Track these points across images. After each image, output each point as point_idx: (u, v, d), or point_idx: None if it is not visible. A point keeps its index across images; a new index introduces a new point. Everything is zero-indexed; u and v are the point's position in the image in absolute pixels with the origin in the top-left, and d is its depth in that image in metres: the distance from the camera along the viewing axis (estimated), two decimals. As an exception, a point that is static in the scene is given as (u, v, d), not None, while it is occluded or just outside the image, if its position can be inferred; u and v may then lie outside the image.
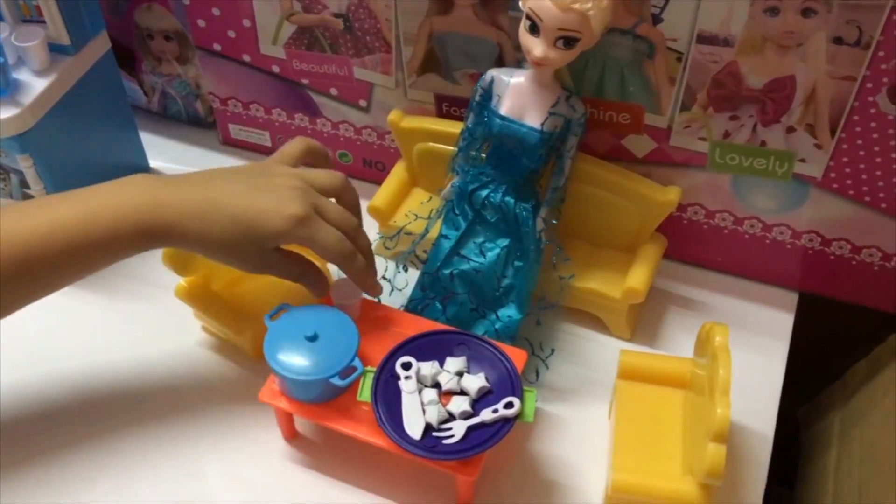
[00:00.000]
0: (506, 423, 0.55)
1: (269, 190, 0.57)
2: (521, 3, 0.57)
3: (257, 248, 0.57)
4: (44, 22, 0.66)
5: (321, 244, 0.57)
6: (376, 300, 0.64)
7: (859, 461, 0.68)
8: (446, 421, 0.56)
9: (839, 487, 0.70)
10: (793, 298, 0.72)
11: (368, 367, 0.58)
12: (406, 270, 0.68)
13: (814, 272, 0.70)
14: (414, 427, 0.55)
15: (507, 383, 0.57)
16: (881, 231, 0.65)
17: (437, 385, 0.58)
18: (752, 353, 0.65)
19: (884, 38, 0.55)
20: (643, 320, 0.71)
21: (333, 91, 0.75)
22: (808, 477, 0.77)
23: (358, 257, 0.59)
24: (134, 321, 0.71)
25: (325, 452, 0.62)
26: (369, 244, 0.61)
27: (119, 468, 0.61)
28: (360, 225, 0.60)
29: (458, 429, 0.55)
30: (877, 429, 0.68)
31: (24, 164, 0.68)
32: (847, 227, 0.66)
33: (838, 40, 0.56)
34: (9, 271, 0.53)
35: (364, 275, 0.60)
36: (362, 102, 0.74)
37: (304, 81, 0.75)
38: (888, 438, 0.65)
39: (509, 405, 0.55)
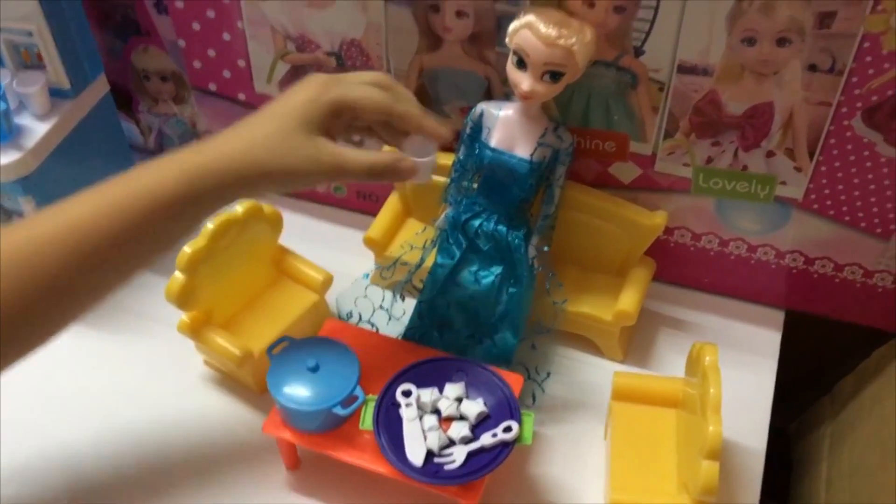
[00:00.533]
0: (505, 446, 0.57)
1: (293, 87, 0.56)
2: (507, 40, 0.60)
3: (305, 135, 0.53)
4: (44, 67, 0.68)
5: (356, 97, 0.54)
6: (374, 328, 0.66)
7: (849, 473, 0.70)
8: (447, 446, 0.57)
9: (831, 498, 0.71)
10: (779, 316, 0.74)
11: (370, 396, 0.59)
12: (403, 299, 0.70)
13: (799, 290, 0.72)
14: (416, 453, 0.56)
15: (505, 407, 0.59)
16: (862, 249, 0.67)
17: (437, 411, 0.59)
18: (741, 371, 0.67)
19: (856, 64, 0.57)
20: (635, 342, 0.73)
21: (327, 126, 0.77)
22: (800, 489, 0.78)
23: (403, 101, 0.56)
24: (137, 356, 0.72)
25: (328, 481, 0.63)
26: (411, 94, 0.58)
27: (122, 500, 0.62)
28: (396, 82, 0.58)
29: (459, 454, 0.57)
30: (865, 441, 0.70)
31: (27, 206, 0.69)
32: (829, 246, 0.68)
33: (813, 68, 0.59)
34: (68, 264, 0.51)
35: (419, 118, 0.56)
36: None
37: (299, 118, 0.77)
38: (876, 449, 0.67)
39: (508, 429, 0.57)
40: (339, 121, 0.56)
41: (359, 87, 0.55)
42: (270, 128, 0.54)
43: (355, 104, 0.55)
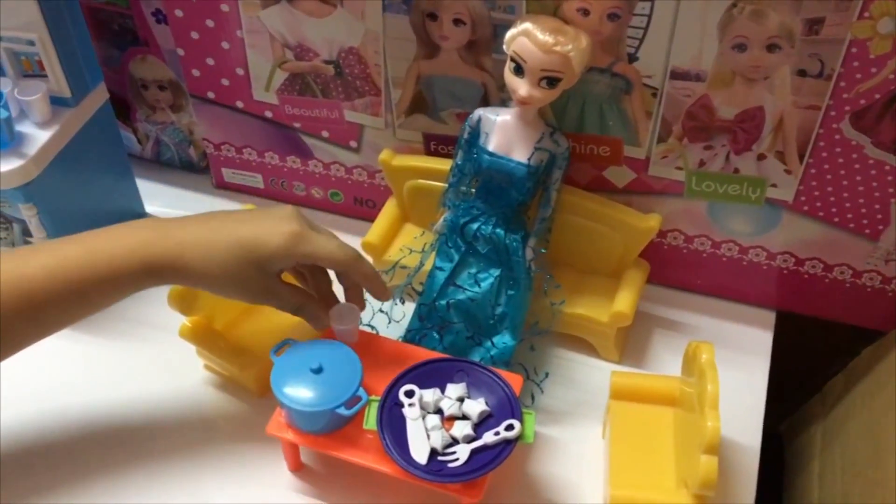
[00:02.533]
0: (507, 444, 0.58)
1: (267, 216, 0.59)
2: (505, 47, 0.61)
3: (259, 273, 0.58)
4: (45, 76, 0.69)
5: (326, 252, 0.58)
6: (374, 331, 0.67)
7: (841, 471, 0.71)
8: (450, 445, 0.58)
9: (824, 496, 0.72)
10: (771, 317, 0.76)
11: (373, 397, 0.60)
12: (403, 303, 0.71)
13: (790, 291, 0.74)
14: (419, 452, 0.57)
15: (506, 407, 0.59)
16: (851, 250, 0.69)
17: (439, 411, 0.60)
18: (734, 371, 0.68)
19: (844, 69, 0.59)
20: (630, 342, 0.74)
21: (325, 133, 0.78)
22: (794, 488, 0.79)
23: (364, 260, 0.61)
24: (139, 362, 0.72)
25: (330, 482, 0.64)
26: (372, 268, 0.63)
27: (129, 506, 0.63)
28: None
29: (462, 452, 0.57)
30: (856, 438, 0.71)
31: (28, 213, 0.69)
32: (819, 247, 0.70)
33: (802, 73, 0.60)
34: (13, 310, 0.55)
35: (374, 277, 0.62)
36: (353, 143, 0.77)
37: (297, 125, 0.78)
38: (868, 446, 0.68)
39: (510, 427, 0.58)
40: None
41: (331, 240, 0.60)
42: (232, 261, 0.57)
43: (320, 257, 0.59)
